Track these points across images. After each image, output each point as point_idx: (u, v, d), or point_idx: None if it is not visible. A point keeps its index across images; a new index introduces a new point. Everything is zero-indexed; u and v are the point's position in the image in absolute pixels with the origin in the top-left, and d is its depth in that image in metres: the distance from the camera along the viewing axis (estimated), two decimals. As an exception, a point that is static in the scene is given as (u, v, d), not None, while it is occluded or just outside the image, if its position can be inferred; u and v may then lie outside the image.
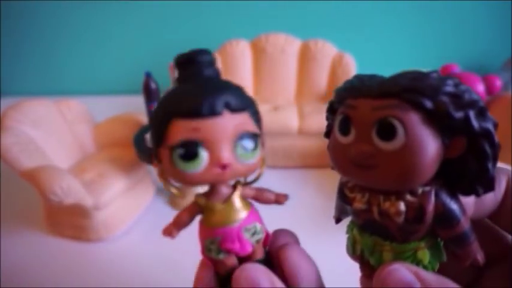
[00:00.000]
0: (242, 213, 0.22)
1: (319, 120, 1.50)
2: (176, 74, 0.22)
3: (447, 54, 2.09)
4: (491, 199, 0.20)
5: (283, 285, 0.19)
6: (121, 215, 1.23)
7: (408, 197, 0.18)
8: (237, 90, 0.21)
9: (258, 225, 0.22)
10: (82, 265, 1.12)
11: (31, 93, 2.03)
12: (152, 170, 1.41)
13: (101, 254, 1.15)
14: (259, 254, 0.22)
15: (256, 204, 0.24)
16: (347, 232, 0.22)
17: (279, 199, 0.23)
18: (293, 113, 1.57)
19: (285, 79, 1.79)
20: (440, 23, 2.08)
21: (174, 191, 0.23)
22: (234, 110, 0.20)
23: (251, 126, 0.21)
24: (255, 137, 0.21)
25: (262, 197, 0.23)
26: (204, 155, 0.19)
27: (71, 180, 1.06)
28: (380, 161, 0.17)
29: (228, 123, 0.20)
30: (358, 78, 0.20)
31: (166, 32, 2.22)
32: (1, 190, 1.45)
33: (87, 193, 1.09)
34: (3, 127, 1.12)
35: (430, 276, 0.17)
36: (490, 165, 0.19)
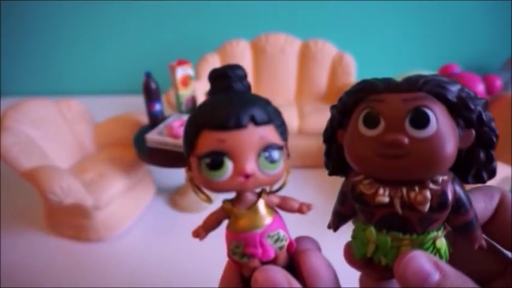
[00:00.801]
0: (266, 220, 0.22)
1: (319, 120, 1.50)
2: (209, 87, 0.23)
3: (447, 54, 2.09)
4: (482, 208, 0.21)
5: (301, 287, 0.20)
6: (121, 215, 1.23)
7: (432, 185, 0.18)
8: (263, 104, 0.23)
9: (282, 233, 0.23)
10: (82, 265, 1.12)
11: (31, 93, 2.03)
12: (152, 170, 1.41)
13: (101, 254, 1.15)
14: (283, 260, 0.23)
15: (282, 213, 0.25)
16: (353, 236, 0.22)
17: (302, 208, 0.24)
18: (293, 113, 1.57)
19: (285, 79, 1.79)
20: (441, 23, 2.08)
21: (202, 197, 0.24)
22: (258, 123, 0.21)
23: (275, 139, 0.22)
24: (279, 149, 0.22)
25: (286, 205, 0.24)
26: (228, 164, 0.21)
27: (71, 180, 1.06)
28: (411, 149, 0.18)
29: (253, 136, 0.21)
30: (375, 79, 0.21)
31: (166, 32, 2.22)
32: (1, 190, 1.45)
33: (87, 193, 1.09)
34: (3, 127, 1.12)
35: (449, 268, 0.18)
36: (494, 154, 0.20)
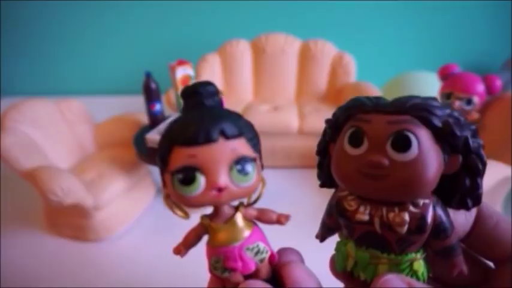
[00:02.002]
0: (244, 233, 0.23)
1: (319, 120, 1.50)
2: (182, 104, 0.24)
3: (447, 54, 2.09)
4: (462, 221, 0.21)
5: None
6: (121, 215, 1.23)
7: (411, 208, 0.19)
8: (234, 118, 0.23)
9: (261, 245, 0.23)
10: (82, 265, 1.12)
11: (31, 93, 2.03)
12: (152, 170, 1.41)
13: (101, 254, 1.15)
14: (265, 273, 0.23)
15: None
16: (336, 249, 0.23)
17: (280, 219, 0.24)
18: (293, 113, 1.57)
19: (285, 79, 1.79)
20: (440, 23, 2.08)
21: (179, 213, 0.24)
22: (229, 136, 0.21)
23: (247, 151, 0.22)
24: (251, 161, 0.22)
25: (264, 217, 0.24)
26: (200, 179, 0.21)
27: (71, 180, 1.06)
28: (391, 171, 0.18)
29: (223, 149, 0.21)
30: (365, 97, 0.21)
31: (166, 32, 2.22)
32: (1, 190, 1.45)
33: (87, 193, 1.09)
34: (3, 127, 1.12)
35: (422, 286, 0.18)
36: (480, 181, 0.20)
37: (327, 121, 0.23)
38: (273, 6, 2.09)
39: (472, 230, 0.22)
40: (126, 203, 1.24)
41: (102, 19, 2.21)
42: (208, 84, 0.23)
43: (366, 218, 0.19)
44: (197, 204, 0.21)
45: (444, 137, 0.19)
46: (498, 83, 1.07)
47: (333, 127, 0.23)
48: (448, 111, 0.19)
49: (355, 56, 1.71)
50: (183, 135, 0.21)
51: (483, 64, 2.12)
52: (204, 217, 0.24)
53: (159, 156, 0.22)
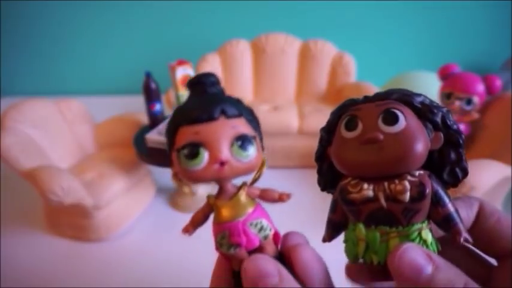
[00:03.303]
0: (247, 209, 0.24)
1: (319, 120, 1.50)
2: (187, 93, 0.26)
3: (447, 54, 2.09)
4: (464, 218, 0.22)
5: (290, 276, 0.20)
6: (121, 215, 1.23)
7: (410, 177, 0.21)
8: (234, 101, 0.25)
9: (265, 222, 0.24)
10: (82, 265, 1.12)
11: (31, 93, 2.03)
12: (152, 170, 1.41)
13: (101, 254, 1.15)
14: (271, 251, 0.24)
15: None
16: (345, 240, 0.23)
17: (282, 197, 0.25)
18: (293, 113, 1.57)
19: (285, 79, 1.79)
20: (441, 23, 2.08)
21: (186, 189, 0.27)
22: (229, 115, 0.23)
23: (247, 129, 0.24)
24: (250, 138, 0.24)
25: (266, 195, 0.26)
26: (204, 153, 0.22)
27: (71, 180, 1.06)
28: (386, 143, 0.21)
29: (224, 126, 0.23)
30: (354, 98, 0.24)
31: (166, 32, 2.22)
32: (1, 190, 1.45)
33: (87, 193, 1.09)
34: (3, 127, 1.12)
35: (441, 260, 0.19)
36: (463, 152, 0.23)
37: (322, 129, 0.26)
38: (273, 6, 2.09)
39: (473, 226, 0.22)
40: (126, 202, 1.24)
41: (102, 19, 2.21)
42: (210, 74, 0.25)
43: (371, 193, 0.21)
44: (201, 178, 0.23)
45: (424, 115, 0.22)
46: (498, 83, 1.07)
47: (328, 131, 0.25)
48: (422, 96, 0.23)
49: (355, 56, 1.71)
50: (188, 116, 0.23)
51: (483, 64, 2.12)
52: (210, 196, 0.25)
53: (167, 138, 0.24)
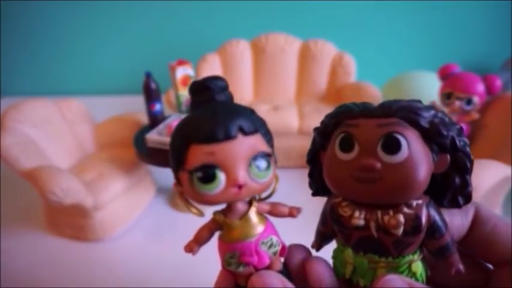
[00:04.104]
0: (259, 228, 0.23)
1: (319, 120, 1.50)
2: (190, 100, 0.23)
3: (447, 54, 2.09)
4: (458, 224, 0.21)
5: None
6: (121, 215, 1.23)
7: (405, 209, 0.19)
8: (249, 114, 0.22)
9: (274, 238, 0.23)
10: (82, 265, 1.12)
11: (31, 93, 2.03)
12: (152, 170, 1.41)
13: (101, 254, 1.15)
14: (277, 265, 0.23)
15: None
16: (333, 257, 0.23)
17: (292, 212, 0.24)
18: (293, 113, 1.57)
19: (285, 79, 1.79)
20: (440, 23, 2.08)
21: (194, 211, 0.24)
22: (247, 133, 0.21)
23: (264, 147, 0.22)
24: (267, 156, 0.22)
25: (276, 211, 0.24)
26: (221, 177, 0.20)
27: (71, 180, 1.05)
28: (384, 174, 0.18)
29: (242, 146, 0.21)
30: (352, 103, 0.22)
31: (166, 32, 2.22)
32: (1, 190, 1.45)
33: (87, 193, 1.09)
34: (3, 127, 1.12)
35: (422, 286, 0.18)
36: (469, 179, 0.21)
37: (316, 129, 0.24)
38: (273, 6, 2.09)
39: (469, 233, 0.22)
40: (126, 203, 1.24)
41: (102, 19, 2.21)
42: (218, 78, 0.23)
43: (362, 222, 0.19)
44: (216, 202, 0.21)
45: (432, 137, 0.19)
46: (498, 83, 1.07)
47: (322, 135, 0.23)
48: (433, 112, 0.20)
49: (355, 56, 1.71)
50: (201, 133, 0.21)
51: (483, 64, 2.12)
52: (217, 213, 0.23)
53: (174, 154, 0.22)
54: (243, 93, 1.77)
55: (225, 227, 0.23)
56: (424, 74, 1.63)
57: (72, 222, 1.17)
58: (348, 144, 0.20)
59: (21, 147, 1.08)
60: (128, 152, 1.30)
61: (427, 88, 1.45)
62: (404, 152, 0.18)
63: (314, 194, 0.25)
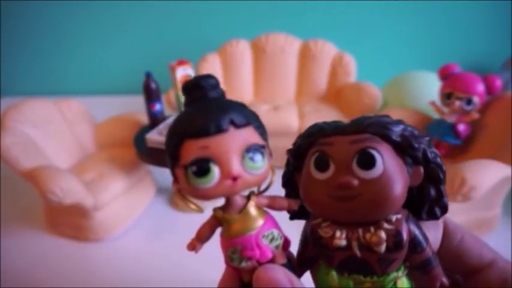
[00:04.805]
0: (258, 222, 0.23)
1: (319, 120, 1.49)
2: (184, 99, 0.24)
3: (447, 54, 2.09)
4: (432, 238, 0.21)
5: (302, 285, 0.20)
6: (121, 215, 1.23)
7: (386, 225, 0.19)
8: (240, 108, 0.23)
9: (275, 232, 0.23)
10: (82, 265, 1.12)
11: (31, 93, 2.03)
12: (152, 170, 1.41)
13: (101, 254, 1.15)
14: (281, 259, 0.23)
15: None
16: (317, 280, 0.22)
17: (292, 205, 0.24)
18: (293, 113, 1.57)
19: (285, 79, 1.79)
20: (440, 23, 2.08)
21: (193, 207, 0.24)
22: (238, 125, 0.21)
23: (256, 139, 0.22)
24: (261, 148, 0.22)
25: (275, 204, 0.24)
26: (215, 169, 0.21)
27: (71, 180, 1.05)
28: (362, 190, 0.18)
29: (234, 138, 0.21)
30: (323, 123, 0.22)
31: (166, 32, 2.22)
32: (1, 190, 1.45)
33: (87, 193, 1.09)
34: (3, 127, 1.12)
35: None
36: (443, 189, 0.21)
37: (289, 151, 0.24)
38: (273, 6, 2.09)
39: (440, 246, 0.22)
40: (126, 203, 1.24)
41: (102, 19, 2.21)
42: (209, 77, 0.23)
43: (344, 242, 0.19)
44: (212, 195, 0.21)
45: (404, 150, 0.20)
46: (498, 83, 1.07)
47: (296, 156, 0.23)
48: (402, 126, 0.20)
49: (355, 56, 1.71)
50: (193, 128, 0.21)
51: (483, 64, 2.12)
52: (217, 209, 0.24)
53: (169, 152, 0.22)
54: (243, 93, 1.77)
55: (224, 223, 0.23)
56: (424, 74, 1.63)
57: (72, 222, 1.17)
58: (323, 163, 0.20)
59: (21, 147, 1.08)
60: (128, 152, 1.30)
61: (427, 88, 1.45)
62: (379, 167, 0.18)
63: (292, 218, 0.25)
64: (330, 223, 0.20)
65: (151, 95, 1.33)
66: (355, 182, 0.18)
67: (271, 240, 0.23)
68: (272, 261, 0.23)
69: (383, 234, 0.18)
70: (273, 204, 0.24)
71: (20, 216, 1.31)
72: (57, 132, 1.27)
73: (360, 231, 0.19)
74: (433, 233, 0.21)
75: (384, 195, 0.18)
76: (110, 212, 1.18)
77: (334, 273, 0.20)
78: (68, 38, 2.28)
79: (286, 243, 0.24)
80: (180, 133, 0.22)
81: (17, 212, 1.33)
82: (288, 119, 1.52)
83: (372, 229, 0.19)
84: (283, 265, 0.22)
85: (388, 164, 0.19)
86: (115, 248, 1.17)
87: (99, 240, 1.18)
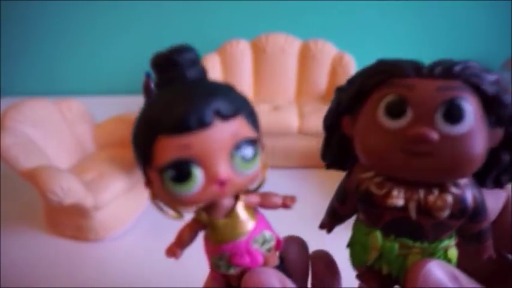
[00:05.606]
0: (249, 225, 0.20)
1: (319, 120, 1.50)
2: (155, 78, 0.19)
3: (447, 54, 2.08)
4: (493, 208, 0.19)
5: (294, 286, 0.19)
6: (121, 215, 1.22)
7: (454, 189, 0.17)
8: (227, 92, 0.19)
9: (267, 233, 0.21)
10: (82, 265, 1.12)
11: (31, 93, 2.03)
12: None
13: (101, 254, 1.15)
14: (273, 261, 0.21)
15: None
16: (353, 242, 0.20)
17: (286, 202, 0.21)
18: (293, 113, 1.57)
19: (285, 79, 1.78)
20: (440, 23, 2.08)
21: (171, 214, 0.21)
22: (226, 116, 0.18)
23: (248, 131, 0.19)
24: (253, 142, 0.19)
25: (268, 202, 0.22)
26: (197, 173, 0.17)
27: (71, 180, 1.05)
28: (440, 147, 0.16)
29: (221, 134, 0.17)
30: (398, 60, 0.18)
31: (166, 32, 2.21)
32: (1, 190, 1.45)
33: (87, 193, 1.09)
34: (3, 127, 1.12)
35: (467, 281, 0.17)
36: None
37: (341, 90, 0.20)
38: (273, 6, 2.09)
39: (496, 220, 0.20)
40: (126, 203, 1.24)
41: (102, 19, 2.20)
42: (187, 49, 0.19)
43: (401, 202, 0.17)
44: (195, 203, 0.19)
45: (492, 107, 0.17)
46: (498, 83, 1.07)
47: (354, 96, 0.19)
48: (496, 76, 0.17)
49: (355, 56, 1.71)
50: (170, 121, 0.17)
51: (483, 64, 2.11)
52: (200, 211, 0.21)
53: (138, 149, 0.19)
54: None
55: (210, 227, 0.20)
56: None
57: (72, 222, 1.17)
58: (398, 109, 0.17)
59: (21, 147, 1.08)
60: (128, 152, 1.28)
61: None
62: (467, 123, 0.16)
63: (328, 167, 0.22)
64: (384, 179, 0.17)
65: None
66: (436, 136, 0.16)
67: (263, 243, 0.20)
68: (264, 264, 0.21)
69: (450, 199, 0.16)
70: (265, 202, 0.21)
71: (20, 216, 1.31)
72: (57, 132, 1.27)
73: (421, 192, 0.17)
74: (492, 202, 0.19)
75: (464, 156, 0.16)
76: (110, 212, 1.18)
77: (378, 234, 0.18)
78: (68, 38, 2.27)
79: (278, 243, 0.21)
80: (153, 127, 0.18)
81: (17, 212, 1.33)
82: (288, 119, 1.52)
83: (436, 192, 0.17)
84: (276, 267, 0.21)
85: (477, 120, 0.16)
86: (115, 248, 1.17)
87: (99, 240, 1.18)
